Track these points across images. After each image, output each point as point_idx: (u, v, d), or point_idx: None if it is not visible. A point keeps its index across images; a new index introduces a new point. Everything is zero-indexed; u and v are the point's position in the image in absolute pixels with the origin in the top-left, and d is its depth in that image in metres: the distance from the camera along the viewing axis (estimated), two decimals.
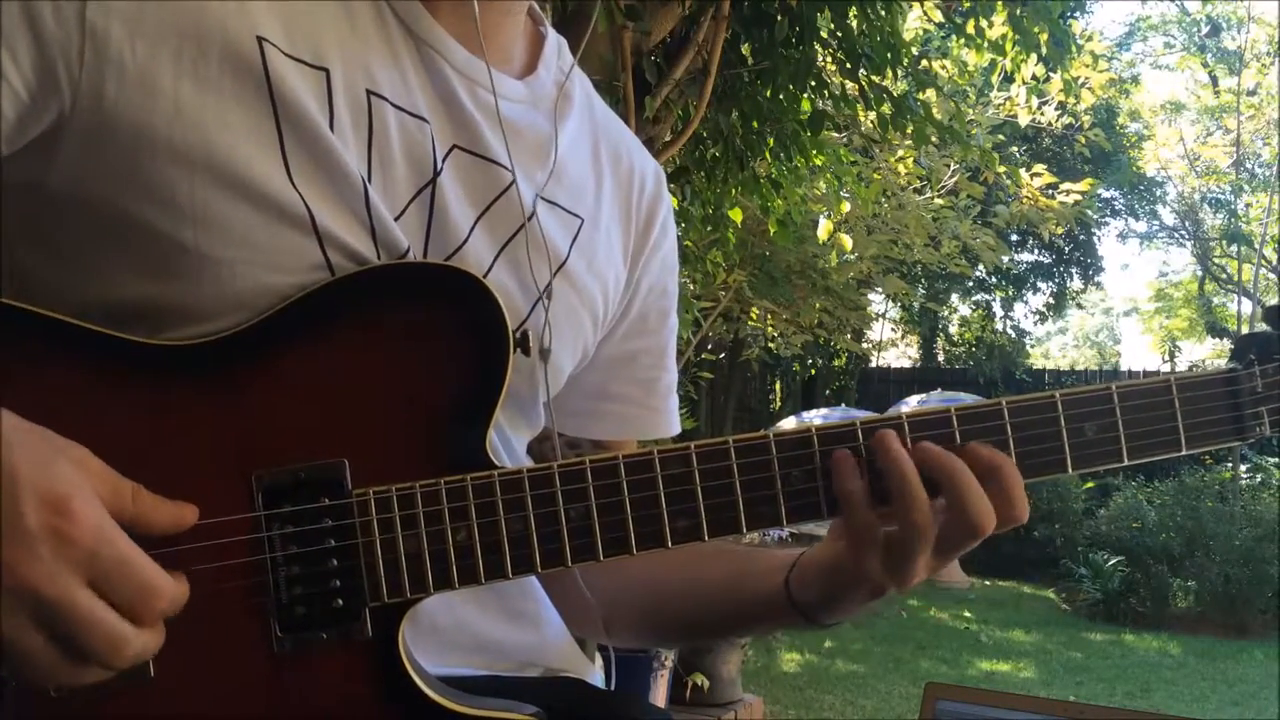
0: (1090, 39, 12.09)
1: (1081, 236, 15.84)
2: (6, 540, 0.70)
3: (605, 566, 1.12)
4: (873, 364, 15.36)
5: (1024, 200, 9.32)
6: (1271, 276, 14.49)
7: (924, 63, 6.15)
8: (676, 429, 1.22)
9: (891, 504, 0.90)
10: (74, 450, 0.75)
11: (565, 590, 1.13)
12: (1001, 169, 6.92)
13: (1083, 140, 11.12)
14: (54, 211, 0.85)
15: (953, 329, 17.91)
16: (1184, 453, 0.97)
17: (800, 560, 1.04)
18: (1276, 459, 10.55)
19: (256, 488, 0.84)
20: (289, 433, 0.86)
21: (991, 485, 0.90)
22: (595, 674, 1.16)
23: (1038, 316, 17.94)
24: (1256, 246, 14.19)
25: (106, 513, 0.74)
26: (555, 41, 1.12)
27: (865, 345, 13.73)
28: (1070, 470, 0.95)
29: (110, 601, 0.73)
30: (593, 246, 1.09)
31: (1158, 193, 17.88)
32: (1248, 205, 15.90)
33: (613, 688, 1.16)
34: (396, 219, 0.93)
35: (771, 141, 4.28)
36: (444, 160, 0.96)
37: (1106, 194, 16.98)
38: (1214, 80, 17.31)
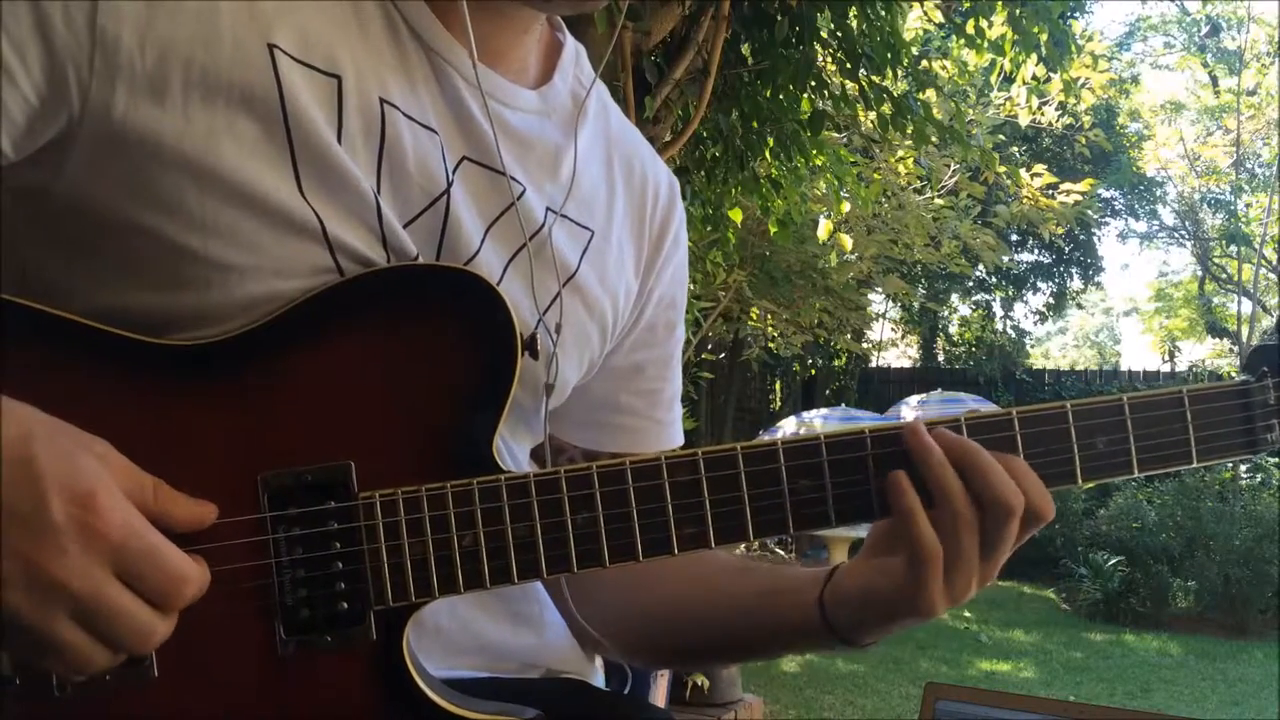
0: (1090, 39, 12.09)
1: (1081, 236, 15.84)
2: (34, 536, 0.70)
3: (626, 586, 1.10)
4: (873, 364, 15.36)
5: (1024, 200, 9.33)
6: (1271, 276, 14.49)
7: (924, 63, 6.15)
8: (680, 441, 1.21)
9: (932, 504, 0.90)
10: (97, 445, 0.76)
11: (561, 605, 1.13)
12: (1001, 169, 6.92)
13: (1083, 140, 11.13)
14: (63, 217, 0.85)
15: (953, 329, 17.90)
16: (1194, 465, 0.97)
17: (836, 578, 1.02)
18: (1277, 459, 10.54)
19: (263, 489, 0.84)
20: (296, 434, 0.86)
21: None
22: (596, 674, 1.16)
23: (1038, 316, 17.96)
24: (1256, 246, 14.20)
25: (131, 505, 0.75)
26: (574, 49, 1.10)
27: (865, 345, 13.73)
28: (1080, 482, 0.95)
29: (137, 591, 0.75)
30: (603, 259, 1.08)
31: (1158, 193, 17.88)
32: (1248, 205, 15.90)
33: (627, 690, 1.16)
34: (407, 226, 0.93)
35: (771, 141, 4.28)
36: (454, 172, 0.96)
37: (1106, 194, 16.98)
38: (1214, 80, 17.31)
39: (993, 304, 17.21)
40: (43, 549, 0.71)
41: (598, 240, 1.07)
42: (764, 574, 1.11)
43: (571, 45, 1.10)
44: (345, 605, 0.85)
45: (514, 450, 1.06)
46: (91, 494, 0.72)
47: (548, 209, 1.02)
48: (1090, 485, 10.49)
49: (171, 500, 0.79)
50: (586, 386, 1.11)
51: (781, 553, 9.97)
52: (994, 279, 15.63)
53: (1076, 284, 17.63)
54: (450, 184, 0.95)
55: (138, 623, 0.75)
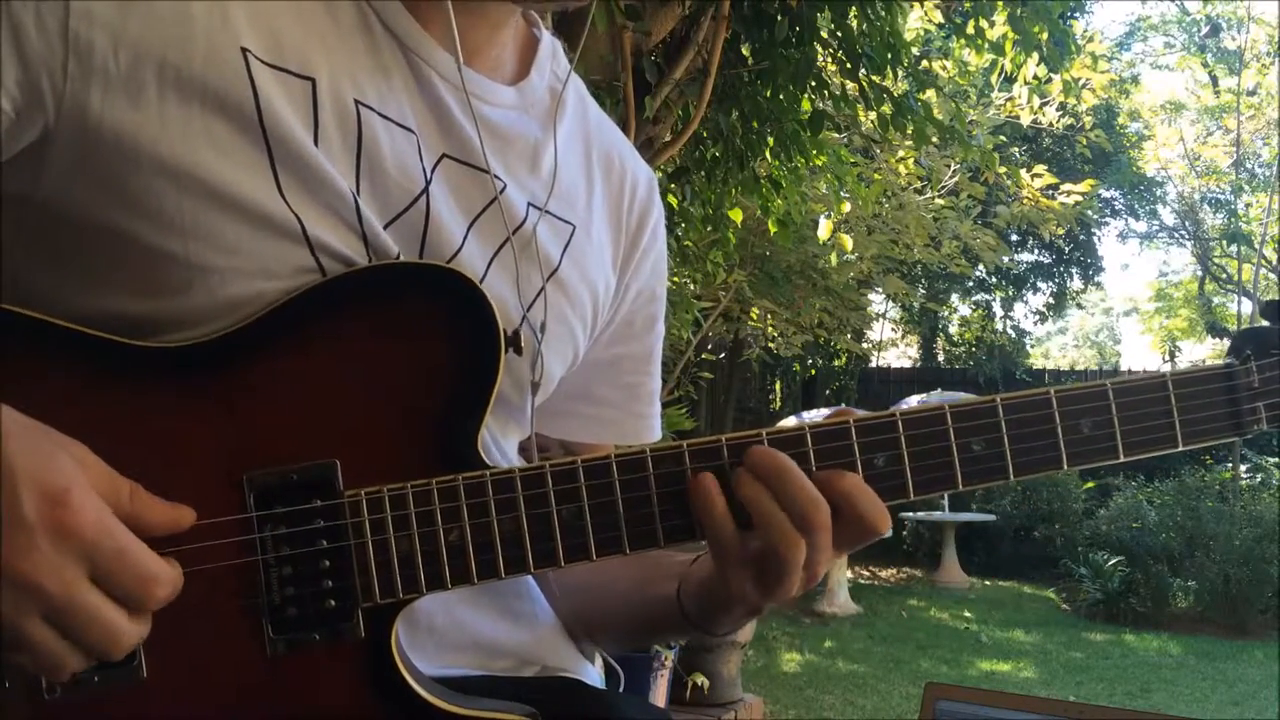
0: (1090, 39, 12.09)
1: (1081, 236, 15.83)
2: (6, 533, 0.70)
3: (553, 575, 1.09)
4: (873, 364, 15.36)
5: (1024, 200, 9.33)
6: (1271, 276, 14.48)
7: (924, 63, 6.15)
8: (657, 436, 1.21)
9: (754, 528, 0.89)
10: (73, 446, 0.75)
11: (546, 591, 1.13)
12: (1002, 169, 6.93)
13: (1083, 141, 11.13)
14: (46, 223, 0.85)
15: (953, 329, 17.89)
16: (1180, 449, 0.96)
17: (691, 569, 1.02)
18: (1276, 459, 10.55)
19: (248, 489, 0.84)
20: (280, 434, 0.85)
21: (834, 498, 0.89)
22: (591, 671, 1.15)
23: (1038, 316, 17.93)
24: (1256, 246, 14.19)
25: (105, 505, 0.74)
26: (550, 44, 1.10)
27: (865, 345, 13.73)
28: (1065, 467, 0.94)
29: (109, 592, 0.74)
30: (584, 253, 1.08)
31: (1158, 193, 17.85)
32: (1248, 205, 15.88)
33: (621, 688, 1.15)
34: (387, 227, 0.92)
35: (771, 141, 4.28)
36: (433, 170, 0.96)
37: (1106, 194, 16.96)
38: (1214, 80, 17.30)
39: (993, 304, 17.19)
40: (14, 546, 0.70)
41: (579, 235, 1.07)
42: (648, 561, 1.09)
43: (548, 41, 1.10)
44: (333, 603, 0.85)
45: (502, 445, 1.06)
46: (66, 492, 0.71)
47: (530, 204, 1.02)
48: (1084, 480, 10.54)
49: (147, 504, 0.79)
50: (562, 378, 1.11)
51: None
52: (994, 279, 15.62)
53: (1076, 284, 17.61)
54: (429, 182, 0.95)
55: (109, 624, 0.74)
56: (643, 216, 1.17)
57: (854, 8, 4.05)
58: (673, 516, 0.90)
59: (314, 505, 0.85)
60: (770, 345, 10.19)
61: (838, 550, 0.90)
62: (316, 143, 0.88)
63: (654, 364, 1.21)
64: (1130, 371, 14.73)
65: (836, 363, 14.18)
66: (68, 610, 0.72)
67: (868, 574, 11.31)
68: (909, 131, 4.53)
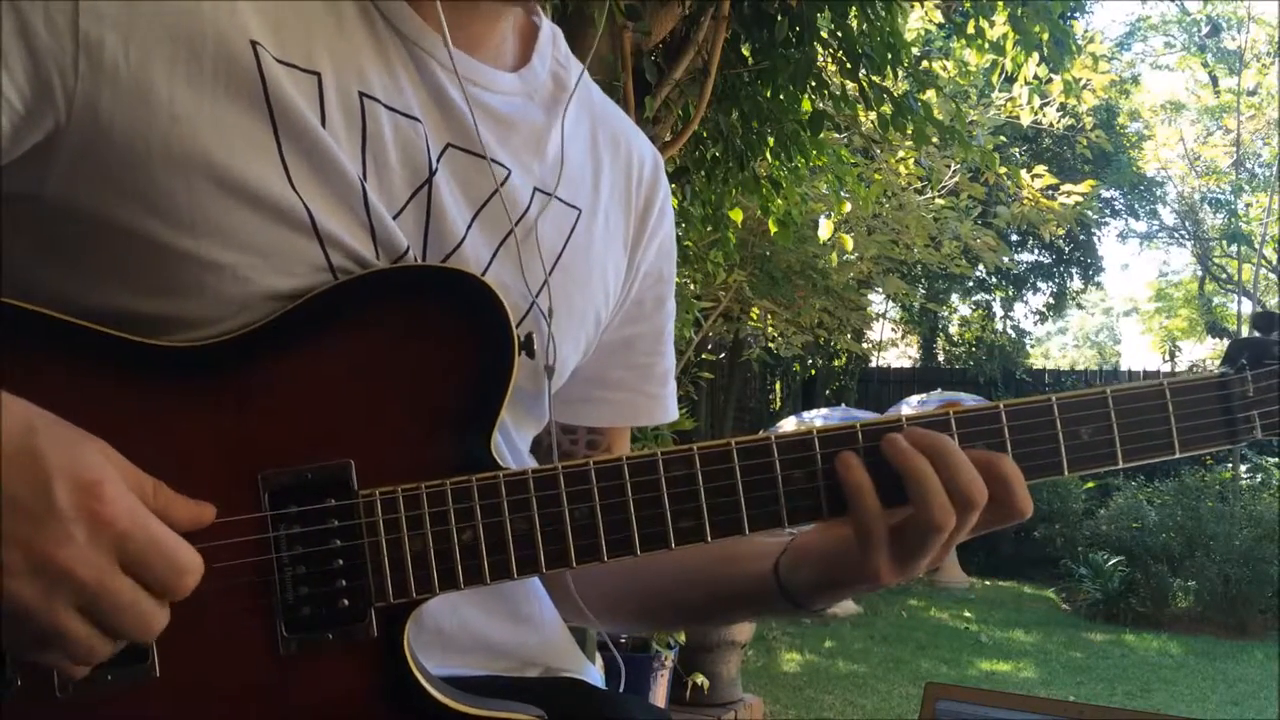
0: (1091, 39, 12.08)
1: (1081, 236, 15.81)
2: (39, 524, 0.70)
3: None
4: (873, 364, 15.33)
5: (1024, 201, 9.33)
6: (1271, 276, 14.48)
7: (924, 63, 6.15)
8: (673, 415, 1.23)
9: (909, 501, 0.92)
10: (97, 442, 0.76)
11: (553, 578, 1.14)
12: (1002, 170, 6.91)
13: (1084, 141, 11.12)
14: (53, 221, 0.85)
15: (953, 329, 17.86)
16: (1177, 455, 0.99)
17: (793, 545, 1.05)
18: (1276, 459, 10.55)
19: (263, 488, 0.85)
20: (295, 434, 0.86)
21: (991, 481, 0.93)
22: (592, 671, 1.16)
23: (1038, 316, 17.91)
24: (1256, 246, 14.18)
25: (135, 496, 0.75)
26: (549, 31, 1.11)
27: (865, 345, 13.71)
28: (1066, 473, 0.97)
29: (140, 581, 0.75)
30: (591, 237, 1.09)
31: (1158, 193, 17.83)
32: (1248, 205, 15.87)
33: (621, 688, 1.16)
34: (395, 218, 0.93)
35: (771, 141, 4.28)
36: (439, 159, 0.96)
37: (1106, 194, 16.93)
38: (1214, 80, 17.29)
39: (993, 304, 17.16)
40: (48, 537, 0.70)
41: (585, 219, 1.08)
42: (726, 542, 1.14)
43: (548, 27, 1.11)
44: (346, 602, 0.86)
45: (515, 439, 1.07)
46: (99, 484, 0.72)
47: (536, 189, 1.03)
48: (1084, 480, 10.55)
49: (171, 500, 0.80)
50: (577, 365, 1.12)
51: None
52: (994, 279, 15.59)
53: (1076, 284, 17.58)
54: (434, 172, 0.96)
55: (141, 612, 0.75)
56: (649, 197, 1.18)
57: (854, 8, 4.06)
58: (683, 519, 0.91)
59: (328, 505, 0.86)
60: (770, 345, 10.18)
61: (974, 531, 0.95)
62: (324, 128, 0.89)
63: (665, 343, 1.22)
64: (1130, 372, 14.74)
65: (836, 363, 14.16)
66: (101, 597, 0.73)
67: None
68: (909, 131, 4.53)
